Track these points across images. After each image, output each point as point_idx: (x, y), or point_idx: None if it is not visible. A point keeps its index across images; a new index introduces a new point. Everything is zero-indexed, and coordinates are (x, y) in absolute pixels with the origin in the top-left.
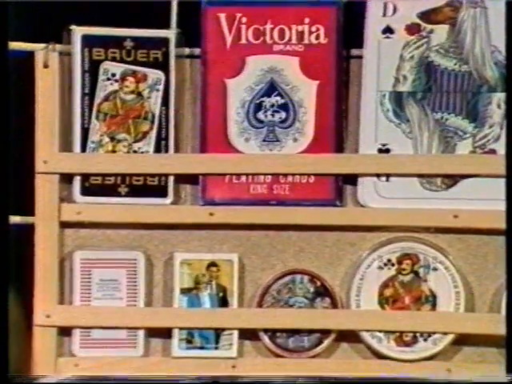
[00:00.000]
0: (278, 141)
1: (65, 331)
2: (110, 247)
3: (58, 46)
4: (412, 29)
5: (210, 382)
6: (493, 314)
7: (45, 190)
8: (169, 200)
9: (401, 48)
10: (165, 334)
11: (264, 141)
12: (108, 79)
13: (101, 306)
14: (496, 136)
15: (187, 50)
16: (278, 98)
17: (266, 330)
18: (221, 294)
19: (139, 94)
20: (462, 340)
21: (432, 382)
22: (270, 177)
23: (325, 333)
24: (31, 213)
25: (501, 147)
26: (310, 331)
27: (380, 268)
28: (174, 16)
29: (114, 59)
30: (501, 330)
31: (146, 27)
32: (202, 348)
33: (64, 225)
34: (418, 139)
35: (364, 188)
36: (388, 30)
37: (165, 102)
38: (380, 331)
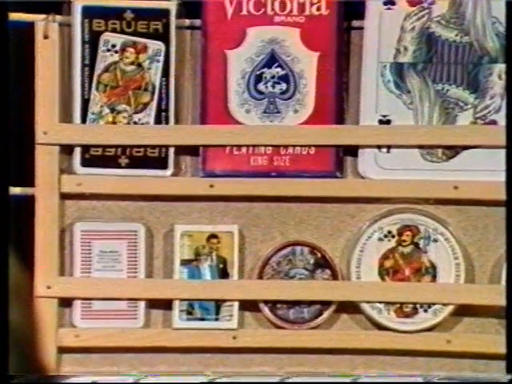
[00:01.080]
0: (278, 112)
1: (65, 302)
2: (111, 219)
3: (58, 17)
4: (413, 0)
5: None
6: (493, 285)
7: (45, 161)
8: (169, 172)
9: (402, 19)
10: (165, 305)
11: (264, 112)
12: (108, 50)
13: (101, 277)
14: (497, 107)
15: (188, 21)
16: (279, 70)
17: (266, 302)
18: (221, 266)
19: (139, 65)
20: (461, 311)
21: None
22: (270, 148)
23: (325, 304)
24: (31, 184)
25: (502, 118)
26: (311, 303)
27: (380, 239)
28: None
29: (114, 30)
30: (500, 300)
31: None
32: (202, 319)
33: (64, 196)
34: (418, 110)
35: (364, 159)
36: (389, 2)
37: (165, 73)
38: (380, 302)
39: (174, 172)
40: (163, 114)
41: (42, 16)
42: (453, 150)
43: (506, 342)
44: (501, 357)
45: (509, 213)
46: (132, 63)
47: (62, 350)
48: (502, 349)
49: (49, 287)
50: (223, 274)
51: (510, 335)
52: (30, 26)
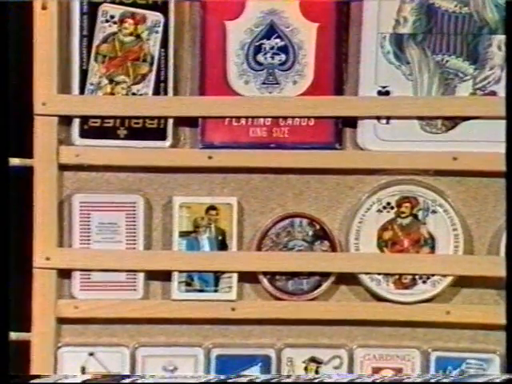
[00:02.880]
0: (277, 83)
1: (64, 274)
2: (109, 190)
3: None
4: None
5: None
6: (491, 256)
7: (43, 132)
8: (168, 143)
9: None
10: (164, 276)
11: (263, 83)
12: (107, 21)
13: (100, 249)
14: (496, 78)
15: None
16: (278, 41)
17: (265, 273)
18: (220, 238)
19: (138, 36)
20: (460, 282)
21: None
22: (269, 120)
23: (324, 276)
24: (30, 155)
25: (501, 89)
26: (309, 274)
27: (379, 211)
28: None
29: (112, 1)
30: (499, 271)
31: None
32: (201, 291)
33: (63, 167)
34: (418, 81)
35: (364, 131)
36: None
37: (164, 44)
38: (379, 274)
39: (172, 143)
40: (162, 85)
41: None
42: (452, 121)
43: (506, 341)
44: (500, 327)
45: (509, 185)
46: (131, 34)
47: (62, 321)
48: (500, 319)
49: (48, 258)
50: (222, 245)
51: (510, 335)
52: None
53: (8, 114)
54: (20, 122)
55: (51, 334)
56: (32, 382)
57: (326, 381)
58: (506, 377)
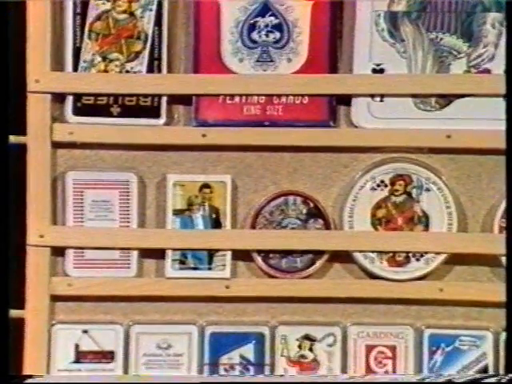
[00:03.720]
0: (271, 61)
1: (58, 251)
2: (103, 168)
3: None
4: None
5: None
6: (485, 233)
7: (37, 109)
8: (161, 121)
9: None
10: (158, 254)
11: (258, 61)
12: None
13: (94, 226)
14: (490, 55)
15: None
16: (272, 18)
17: (259, 251)
18: (214, 216)
19: (132, 14)
20: (454, 259)
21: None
22: (263, 97)
23: (318, 254)
24: (23, 133)
25: (495, 67)
26: (303, 252)
27: (373, 189)
28: None
29: None
30: (493, 249)
31: None
32: (195, 269)
33: (56, 145)
34: (412, 59)
35: (358, 108)
36: None
37: (158, 21)
38: (373, 252)
39: (166, 121)
40: (156, 62)
41: None
42: (446, 99)
43: (505, 342)
44: (492, 304)
45: (509, 164)
46: (124, 12)
47: (55, 299)
48: (493, 297)
49: (41, 236)
50: (216, 223)
51: (510, 335)
52: None
53: (7, 92)
54: (13, 99)
55: (45, 312)
56: (27, 381)
57: (321, 381)
58: (509, 377)
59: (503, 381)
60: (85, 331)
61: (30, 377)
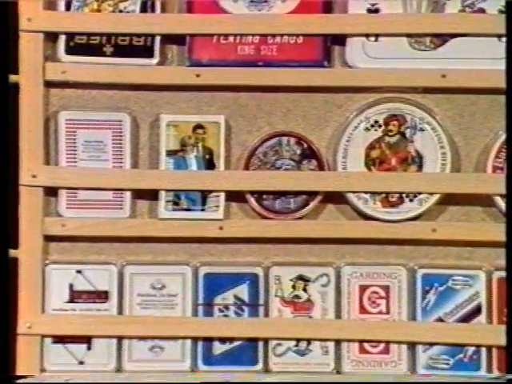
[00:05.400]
0: (266, 1)
1: (51, 192)
2: (96, 108)
3: None
4: None
5: None
6: (478, 173)
7: (29, 48)
8: (155, 60)
9: None
10: (151, 195)
11: (252, 1)
12: None
13: (86, 167)
14: None
15: None
16: None
17: (252, 193)
18: (207, 157)
19: None
20: (447, 200)
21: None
22: (257, 37)
23: (311, 195)
24: (16, 72)
25: (489, 6)
26: (297, 193)
27: (367, 129)
28: None
29: None
30: (486, 189)
31: None
32: (188, 210)
33: (49, 84)
34: None
35: (352, 48)
36: None
37: None
38: (366, 192)
39: (160, 61)
40: (149, 2)
41: None
42: (441, 39)
43: (505, 342)
44: (485, 244)
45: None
46: None
47: (49, 239)
48: (486, 236)
49: (34, 176)
50: (209, 164)
51: (510, 335)
52: None
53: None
54: (5, 38)
55: (39, 252)
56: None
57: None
58: (509, 377)
59: (503, 381)
60: (79, 271)
61: (24, 377)
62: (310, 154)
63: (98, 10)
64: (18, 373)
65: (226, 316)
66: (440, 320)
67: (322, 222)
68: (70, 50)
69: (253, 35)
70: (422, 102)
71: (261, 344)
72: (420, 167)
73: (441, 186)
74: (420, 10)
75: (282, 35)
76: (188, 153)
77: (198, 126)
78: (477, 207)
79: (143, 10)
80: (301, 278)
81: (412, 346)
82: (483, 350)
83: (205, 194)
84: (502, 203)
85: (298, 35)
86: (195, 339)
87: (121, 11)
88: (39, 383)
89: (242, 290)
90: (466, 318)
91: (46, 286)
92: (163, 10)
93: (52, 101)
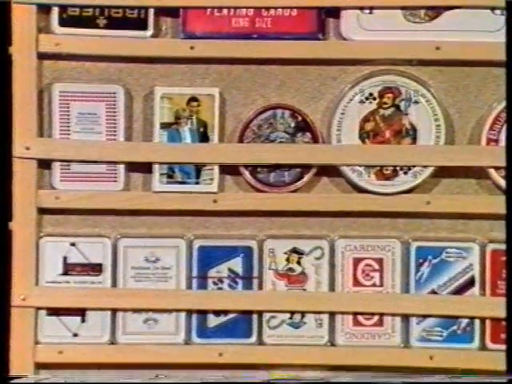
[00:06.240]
0: None
1: (45, 164)
2: (89, 80)
3: None
4: None
5: None
6: (472, 145)
7: (22, 20)
8: (149, 32)
9: None
10: (145, 168)
11: None
12: None
13: (80, 139)
14: None
15: None
16: None
17: (246, 165)
18: (201, 129)
19: None
20: (441, 172)
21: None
22: (252, 10)
23: (305, 168)
24: (8, 43)
25: None
26: (291, 166)
27: (361, 102)
28: None
29: None
30: (480, 161)
31: None
32: (182, 183)
33: (42, 56)
34: None
35: (347, 21)
36: None
37: None
38: (360, 165)
39: (153, 33)
40: None
41: None
42: (435, 11)
43: (505, 341)
44: (479, 216)
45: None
46: None
47: (43, 212)
48: (480, 208)
49: (27, 148)
50: (203, 137)
51: (510, 335)
52: None
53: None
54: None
55: (32, 224)
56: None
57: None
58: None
59: (503, 381)
60: (72, 244)
61: (18, 377)
62: (304, 126)
63: None
64: (12, 345)
65: (220, 289)
66: (433, 292)
67: (316, 195)
68: (63, 22)
69: (247, 8)
70: (416, 75)
71: (255, 317)
72: (414, 140)
73: (435, 158)
74: None
75: (276, 8)
76: (182, 125)
77: (193, 99)
78: (470, 180)
79: None
80: (295, 250)
81: (406, 318)
82: (476, 322)
83: (199, 167)
84: (495, 175)
85: (292, 8)
86: (189, 312)
87: None
88: (35, 383)
89: (236, 263)
90: (460, 291)
91: (40, 258)
92: None
93: (45, 73)
